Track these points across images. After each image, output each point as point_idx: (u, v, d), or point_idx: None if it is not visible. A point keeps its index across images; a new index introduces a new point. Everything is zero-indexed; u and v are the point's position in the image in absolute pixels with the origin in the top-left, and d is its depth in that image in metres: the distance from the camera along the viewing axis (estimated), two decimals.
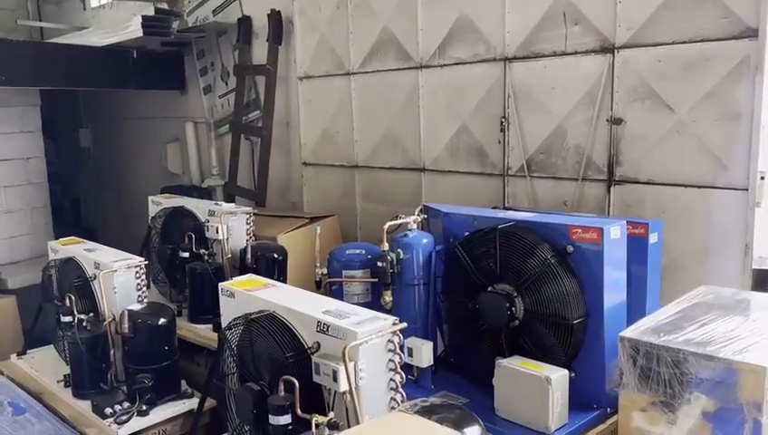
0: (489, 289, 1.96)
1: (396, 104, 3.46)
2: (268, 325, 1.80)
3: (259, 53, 4.32)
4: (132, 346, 2.51)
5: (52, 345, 3.17)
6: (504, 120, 2.95)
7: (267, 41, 4.13)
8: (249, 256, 2.93)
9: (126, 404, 2.47)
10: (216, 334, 2.96)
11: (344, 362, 1.54)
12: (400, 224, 2.22)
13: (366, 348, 1.60)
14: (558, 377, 1.74)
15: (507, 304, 1.89)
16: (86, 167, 6.77)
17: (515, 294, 1.92)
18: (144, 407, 2.46)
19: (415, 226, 2.21)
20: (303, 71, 3.97)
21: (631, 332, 1.71)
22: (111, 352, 2.64)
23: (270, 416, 1.63)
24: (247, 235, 3.20)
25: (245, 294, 1.99)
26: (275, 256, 2.98)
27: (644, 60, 2.54)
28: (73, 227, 6.33)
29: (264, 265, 2.95)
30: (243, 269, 3.01)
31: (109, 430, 2.38)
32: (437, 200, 3.00)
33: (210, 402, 2.61)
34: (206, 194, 4.89)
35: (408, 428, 1.19)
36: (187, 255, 3.13)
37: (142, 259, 2.79)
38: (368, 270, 2.50)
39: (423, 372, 2.05)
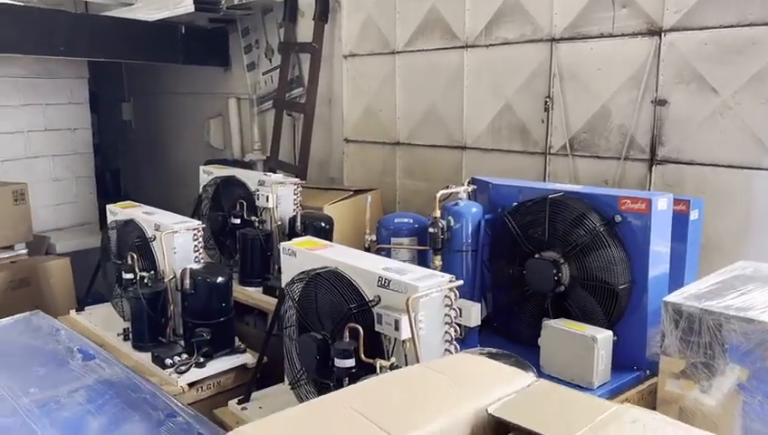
0: (536, 256, 2.07)
1: (439, 83, 3.56)
2: (332, 280, 1.93)
3: (304, 30, 4.44)
4: (192, 302, 2.67)
5: (106, 303, 3.38)
6: (548, 99, 3.04)
7: (313, 19, 4.24)
8: (299, 223, 3.07)
9: (184, 356, 2.64)
10: (265, 296, 3.14)
11: (408, 312, 1.67)
12: (451, 193, 2.33)
13: (426, 301, 1.73)
14: (603, 337, 1.85)
15: (554, 271, 2.00)
16: (127, 139, 6.98)
17: (562, 261, 2.03)
18: (201, 359, 2.62)
19: (465, 195, 2.33)
20: (348, 49, 4.08)
21: (674, 297, 1.82)
22: (170, 307, 2.82)
23: (336, 360, 1.77)
24: (294, 204, 3.34)
25: (308, 253, 2.13)
26: (323, 224, 3.12)
27: (690, 43, 2.61)
28: (113, 197, 6.57)
29: (312, 232, 3.08)
30: (291, 236, 3.16)
31: (169, 380, 2.54)
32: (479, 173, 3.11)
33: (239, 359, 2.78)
34: (247, 168, 5.04)
35: (479, 365, 1.31)
36: (238, 221, 3.28)
37: (199, 223, 2.94)
38: (415, 238, 2.62)
39: (470, 331, 2.17)
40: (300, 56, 4.53)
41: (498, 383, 1.24)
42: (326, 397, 1.22)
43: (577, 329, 1.89)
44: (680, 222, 2.25)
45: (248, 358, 2.74)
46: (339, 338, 1.87)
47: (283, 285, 2.25)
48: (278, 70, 4.72)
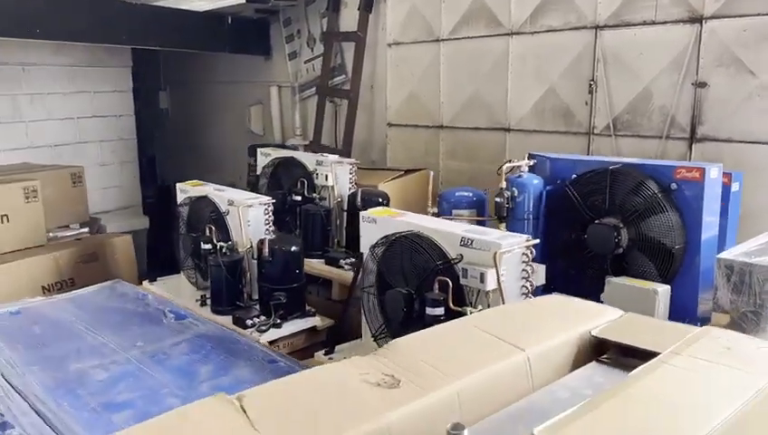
0: (596, 222, 2.30)
1: (484, 69, 3.78)
2: (416, 241, 2.17)
3: (347, 20, 4.66)
4: (269, 269, 2.91)
5: (173, 275, 3.63)
6: (592, 82, 3.25)
7: (358, 9, 4.46)
8: (359, 199, 3.30)
9: (262, 318, 2.89)
10: (327, 266, 3.37)
11: (496, 265, 1.90)
12: (513, 167, 2.56)
13: (508, 256, 1.96)
14: (663, 290, 2.08)
15: (615, 234, 2.23)
16: (163, 127, 7.22)
17: (621, 225, 2.25)
18: (278, 320, 2.87)
19: (526, 169, 2.55)
20: (393, 37, 4.30)
21: (726, 254, 2.04)
22: (247, 274, 3.06)
23: (427, 308, 2.01)
24: (350, 183, 3.57)
25: (389, 219, 2.36)
26: (380, 199, 3.35)
27: (729, 30, 2.82)
28: (148, 182, 6.84)
29: (369, 205, 3.32)
30: (351, 211, 3.40)
31: (250, 338, 2.79)
32: (522, 157, 3.33)
33: (327, 322, 3.02)
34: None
35: (572, 303, 1.54)
36: (299, 198, 3.52)
37: (270, 198, 3.18)
38: (474, 210, 2.85)
39: (535, 291, 2.40)
40: (342, 45, 4.75)
41: (594, 315, 1.47)
42: (452, 322, 1.46)
43: (639, 284, 2.12)
44: (723, 193, 2.47)
45: (317, 321, 2.99)
46: (423, 293, 2.11)
47: (362, 250, 2.49)
48: (320, 58, 4.95)
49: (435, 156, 4.16)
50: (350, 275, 3.22)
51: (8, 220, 3.84)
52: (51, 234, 4.17)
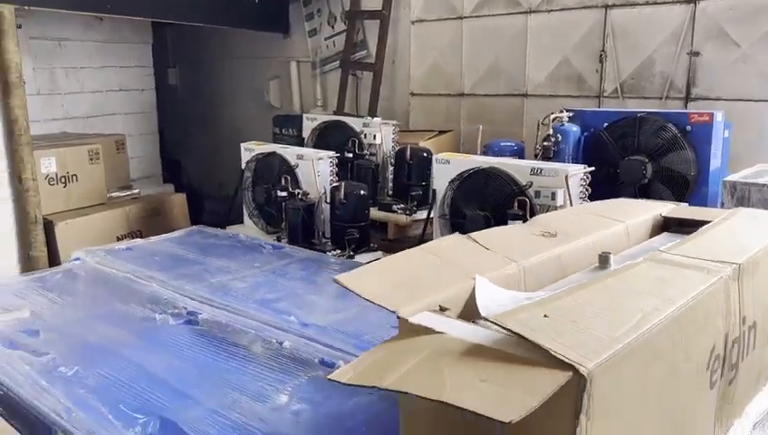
0: (626, 159, 2.91)
1: (503, 43, 4.35)
2: (492, 173, 2.73)
3: None
4: (343, 210, 3.43)
5: (236, 225, 4.09)
6: (602, 53, 3.87)
7: None
8: (408, 154, 3.84)
9: (338, 251, 3.41)
10: (382, 212, 3.90)
11: (566, 184, 2.48)
12: (556, 117, 3.15)
13: (573, 179, 2.55)
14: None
15: (642, 168, 2.85)
16: (172, 102, 7.55)
17: (647, 160, 2.87)
18: (351, 253, 3.40)
19: (566, 119, 3.14)
20: (416, 15, 4.82)
21: (730, 178, 2.68)
22: (322, 217, 3.57)
23: (508, 222, 2.58)
24: (393, 141, 4.11)
25: (462, 160, 2.91)
26: (425, 154, 3.89)
27: (719, 8, 3.46)
28: (159, 153, 7.18)
29: (417, 161, 3.87)
30: (398, 165, 3.94)
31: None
32: (537, 118, 3.93)
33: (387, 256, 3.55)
34: None
35: (633, 201, 2.12)
36: (351, 155, 4.03)
37: (334, 153, 3.69)
38: (516, 156, 3.43)
39: None
40: (364, 22, 5.25)
41: (655, 206, 2.06)
42: (557, 211, 2.02)
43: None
44: None
45: (380, 254, 3.52)
46: (497, 215, 2.68)
47: (434, 187, 3.04)
48: (340, 35, 5.44)
49: (456, 121, 4.72)
50: (403, 217, 3.79)
51: (77, 180, 4.23)
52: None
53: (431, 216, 3.09)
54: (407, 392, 0.93)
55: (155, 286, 2.60)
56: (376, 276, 1.33)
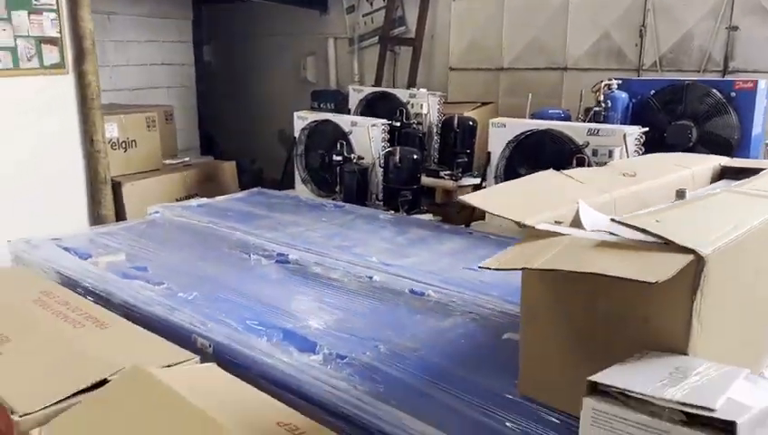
0: (673, 123, 3.10)
1: (544, 18, 4.53)
2: (550, 134, 2.93)
3: None
4: (397, 173, 3.64)
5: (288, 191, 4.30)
6: (642, 28, 4.05)
7: None
8: (456, 122, 4.04)
9: (391, 211, 3.62)
10: (429, 178, 4.10)
11: (624, 143, 2.68)
12: (606, 85, 3.34)
13: (629, 138, 2.74)
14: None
15: (688, 132, 3.04)
16: (206, 79, 7.74)
17: (692, 125, 3.06)
18: (404, 214, 3.61)
19: (615, 86, 3.33)
20: None
21: None
22: (375, 180, 3.78)
23: None
24: (438, 112, 4.30)
25: (518, 122, 3.11)
26: (470, 123, 4.10)
27: None
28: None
29: (462, 130, 4.07)
30: (444, 134, 4.15)
31: None
32: (577, 91, 4.11)
33: (436, 217, 3.76)
34: (346, 97, 5.95)
35: (694, 156, 2.32)
36: (398, 124, 4.23)
37: (386, 121, 3.89)
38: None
39: None
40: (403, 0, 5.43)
41: (711, 158, 2.25)
42: (624, 160, 2.22)
43: None
44: None
45: (430, 216, 3.73)
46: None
47: (489, 149, 3.24)
48: (378, 12, 5.62)
49: (494, 94, 4.91)
50: (450, 183, 4.00)
51: (135, 145, 4.45)
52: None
53: (485, 179, 3.29)
54: (559, 269, 1.15)
55: (239, 234, 2.82)
56: (496, 199, 1.54)
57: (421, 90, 4.32)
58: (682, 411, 0.96)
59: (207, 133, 7.88)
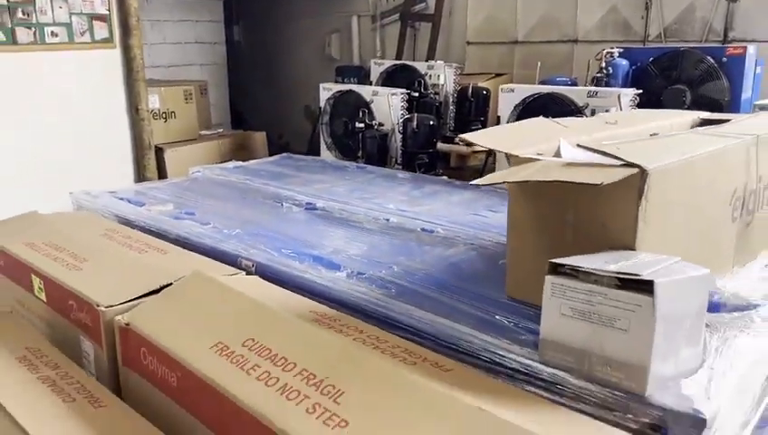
0: (669, 88, 3.36)
1: None
2: (554, 97, 3.21)
3: None
4: (415, 138, 3.95)
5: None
6: (648, 1, 4.27)
7: None
8: (470, 92, 4.33)
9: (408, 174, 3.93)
10: (445, 144, 4.41)
11: (618, 103, 2.95)
12: (608, 53, 3.60)
13: (624, 99, 3.01)
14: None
15: (683, 95, 3.29)
16: (235, 58, 8.10)
17: (687, 89, 3.32)
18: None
19: (617, 54, 3.59)
20: None
21: (758, 102, 3.11)
22: (394, 145, 4.10)
23: None
24: (454, 82, 4.59)
25: (525, 88, 3.39)
26: (484, 92, 4.38)
27: None
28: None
29: (476, 98, 4.36)
30: (460, 102, 4.44)
31: None
32: (587, 62, 4.36)
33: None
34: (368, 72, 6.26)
35: (678, 111, 2.58)
36: (416, 94, 4.53)
37: (405, 90, 4.20)
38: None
39: None
40: None
41: (695, 113, 2.52)
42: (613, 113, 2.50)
43: None
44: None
45: (445, 178, 4.03)
46: None
47: (499, 113, 3.53)
48: None
49: (509, 67, 5.17)
50: (464, 148, 4.29)
51: (175, 116, 4.82)
52: None
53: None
54: (532, 180, 1.46)
55: (271, 188, 3.16)
56: (491, 136, 1.85)
57: (438, 62, 4.60)
58: (617, 278, 1.27)
59: (236, 109, 8.26)
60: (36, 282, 2.10)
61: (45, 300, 2.05)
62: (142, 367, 1.59)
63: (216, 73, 6.87)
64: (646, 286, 1.23)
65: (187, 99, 4.92)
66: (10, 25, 3.43)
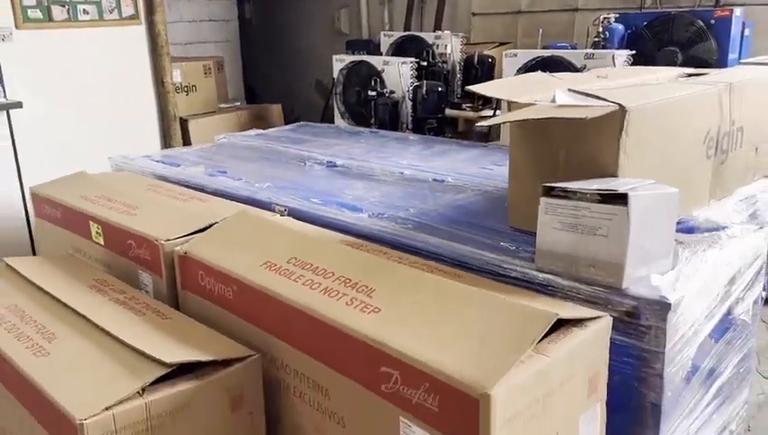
0: (661, 50, 3.58)
1: None
2: (554, 60, 3.45)
3: None
4: (424, 103, 4.20)
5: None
6: None
7: None
8: (476, 59, 4.56)
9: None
10: (453, 110, 4.65)
11: (613, 63, 3.19)
12: (605, 18, 3.82)
13: (618, 59, 3.25)
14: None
15: (674, 57, 3.52)
16: (247, 35, 8.33)
17: (678, 51, 3.54)
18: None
19: (613, 19, 3.81)
20: None
21: (745, 60, 3.33)
22: (405, 111, 4.35)
23: None
24: (461, 51, 4.82)
25: (527, 52, 3.63)
26: (489, 60, 4.61)
27: None
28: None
29: (482, 66, 4.59)
30: (467, 70, 4.67)
31: None
32: (586, 29, 4.57)
33: None
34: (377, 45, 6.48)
35: (667, 67, 2.82)
36: (425, 64, 4.77)
37: (415, 59, 4.43)
38: None
39: None
40: None
41: (683, 70, 2.75)
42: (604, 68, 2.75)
43: None
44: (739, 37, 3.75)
45: (454, 142, 4.29)
46: None
47: (502, 76, 3.77)
48: None
49: (512, 36, 5.38)
50: (471, 113, 4.54)
51: (196, 90, 5.08)
52: None
53: (500, 108, 3.83)
54: (529, 118, 1.71)
55: (293, 151, 3.43)
56: (494, 87, 2.10)
57: (445, 32, 4.83)
58: (599, 195, 1.53)
59: (249, 85, 8.50)
60: (94, 228, 2.39)
61: (103, 243, 2.35)
62: (200, 287, 1.88)
63: (229, 50, 7.11)
64: (621, 199, 1.50)
65: (206, 73, 5.18)
66: (46, 4, 3.68)
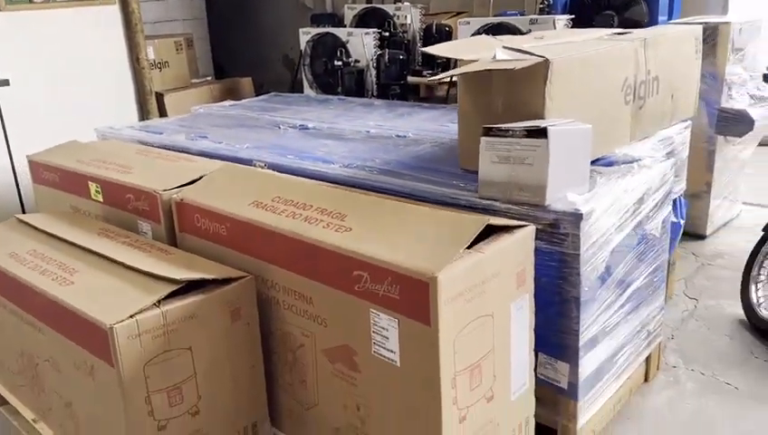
0: (599, 14, 3.94)
1: None
2: (502, 26, 3.77)
3: None
4: (387, 71, 4.50)
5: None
6: None
7: None
8: (434, 28, 4.86)
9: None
10: (414, 77, 4.96)
11: (554, 27, 3.52)
12: None
13: (559, 24, 3.59)
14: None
15: (611, 20, 3.87)
16: (214, 12, 8.46)
17: (614, 14, 3.90)
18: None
19: None
20: None
21: (670, 22, 3.70)
22: (370, 79, 4.65)
23: None
24: (420, 21, 5.11)
25: (479, 19, 3.95)
26: (446, 29, 4.92)
27: None
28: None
29: (440, 35, 4.89)
30: (425, 39, 4.97)
31: None
32: None
33: None
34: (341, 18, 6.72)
35: (601, 30, 3.18)
36: (387, 34, 5.05)
37: (377, 30, 4.71)
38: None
39: None
40: None
41: (607, 30, 3.10)
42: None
43: None
44: None
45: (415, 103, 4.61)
46: None
47: (459, 38, 4.08)
48: None
49: (468, 6, 5.69)
50: (431, 79, 4.85)
51: (168, 66, 5.29)
52: None
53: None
54: (471, 71, 2.04)
55: (267, 117, 3.72)
56: (445, 48, 2.43)
57: (405, 3, 5.11)
58: (526, 131, 1.88)
59: (217, 62, 8.66)
60: (93, 187, 2.66)
61: (102, 200, 2.62)
62: (196, 229, 2.19)
63: (197, 28, 7.27)
64: (543, 133, 1.84)
65: (177, 50, 5.39)
66: None
